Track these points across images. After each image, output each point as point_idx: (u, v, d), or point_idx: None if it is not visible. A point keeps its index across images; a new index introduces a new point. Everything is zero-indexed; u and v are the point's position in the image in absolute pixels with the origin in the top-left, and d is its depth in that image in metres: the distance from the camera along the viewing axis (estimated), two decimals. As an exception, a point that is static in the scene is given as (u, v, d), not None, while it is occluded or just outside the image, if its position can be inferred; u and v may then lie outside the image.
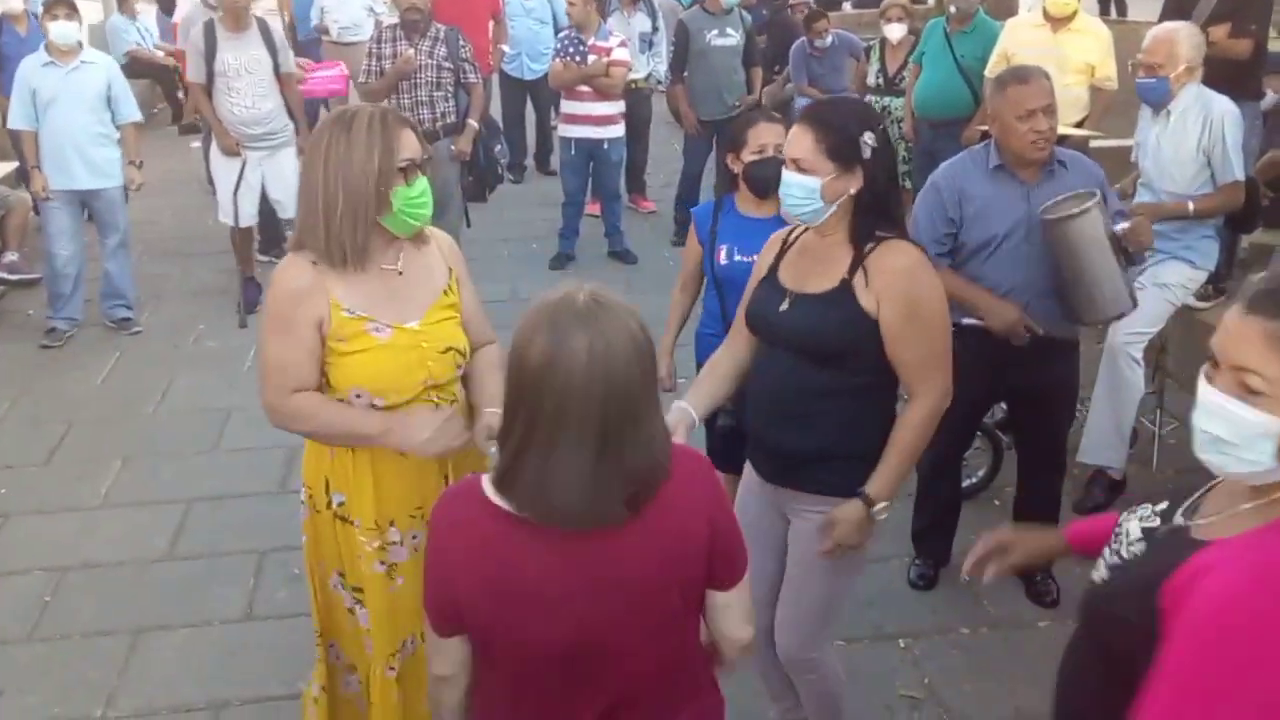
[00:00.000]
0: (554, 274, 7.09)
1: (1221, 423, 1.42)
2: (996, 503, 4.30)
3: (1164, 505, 1.63)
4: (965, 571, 2.05)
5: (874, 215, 2.42)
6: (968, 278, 3.42)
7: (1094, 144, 6.26)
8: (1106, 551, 1.69)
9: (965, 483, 4.23)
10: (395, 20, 6.36)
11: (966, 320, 3.40)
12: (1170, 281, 4.23)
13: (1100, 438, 4.26)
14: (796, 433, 2.49)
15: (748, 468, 2.73)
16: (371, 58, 6.19)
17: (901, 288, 2.37)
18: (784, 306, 2.48)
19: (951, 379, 2.47)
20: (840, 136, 2.38)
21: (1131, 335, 4.14)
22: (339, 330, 2.29)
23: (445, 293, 2.46)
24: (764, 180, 3.17)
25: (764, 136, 3.28)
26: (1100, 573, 1.68)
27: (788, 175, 2.44)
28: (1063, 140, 5.34)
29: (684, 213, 7.30)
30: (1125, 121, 6.79)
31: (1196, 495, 1.60)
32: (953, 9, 6.50)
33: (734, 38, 7.37)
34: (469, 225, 6.57)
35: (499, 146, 6.68)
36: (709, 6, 7.33)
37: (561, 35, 7.10)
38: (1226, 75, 4.93)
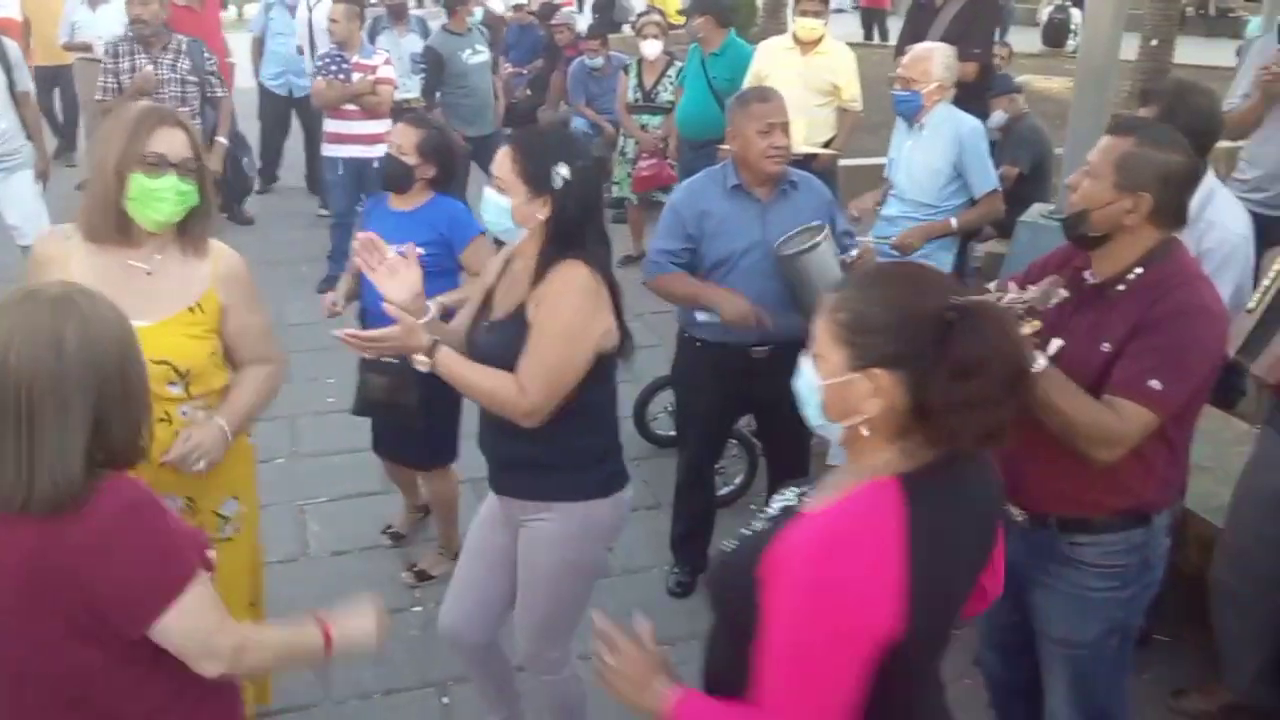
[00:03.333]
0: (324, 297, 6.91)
1: (800, 378, 1.67)
2: (753, 507, 4.41)
3: (808, 486, 1.74)
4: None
5: (561, 244, 2.46)
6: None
7: (844, 161, 6.60)
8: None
9: (723, 490, 4.36)
10: (131, 34, 6.01)
11: (698, 335, 3.57)
12: (907, 291, 4.47)
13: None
14: (509, 441, 2.53)
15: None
16: (107, 75, 5.87)
17: (548, 296, 2.42)
18: (482, 330, 2.57)
19: (546, 405, 2.43)
20: (535, 163, 2.44)
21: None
22: None
23: (192, 309, 2.51)
24: (391, 178, 3.75)
25: (399, 136, 3.73)
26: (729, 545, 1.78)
27: (488, 192, 2.50)
28: (812, 159, 5.64)
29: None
30: (877, 140, 7.20)
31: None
32: (700, 35, 6.71)
33: (485, 54, 7.54)
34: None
35: (246, 159, 6.48)
36: (453, 27, 7.39)
37: (323, 54, 6.94)
38: (956, 97, 5.29)
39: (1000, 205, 4.43)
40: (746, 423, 4.27)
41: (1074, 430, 2.24)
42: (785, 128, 3.44)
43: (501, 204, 2.48)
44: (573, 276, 2.43)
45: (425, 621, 3.71)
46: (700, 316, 3.53)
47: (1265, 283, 2.69)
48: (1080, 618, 2.48)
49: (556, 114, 9.83)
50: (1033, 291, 2.19)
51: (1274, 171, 4.05)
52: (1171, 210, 2.30)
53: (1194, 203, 3.12)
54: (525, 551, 2.66)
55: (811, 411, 1.66)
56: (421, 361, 2.41)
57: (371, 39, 7.61)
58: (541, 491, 2.57)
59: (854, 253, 3.57)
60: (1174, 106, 3.07)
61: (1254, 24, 11.47)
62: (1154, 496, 2.40)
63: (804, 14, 5.97)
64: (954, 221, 4.36)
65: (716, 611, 1.76)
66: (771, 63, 6.07)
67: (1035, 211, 5.55)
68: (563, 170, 2.44)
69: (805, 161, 5.80)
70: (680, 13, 14.78)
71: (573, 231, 2.46)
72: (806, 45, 5.98)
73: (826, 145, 6.00)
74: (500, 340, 2.48)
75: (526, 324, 2.42)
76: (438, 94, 7.36)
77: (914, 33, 5.73)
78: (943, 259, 4.52)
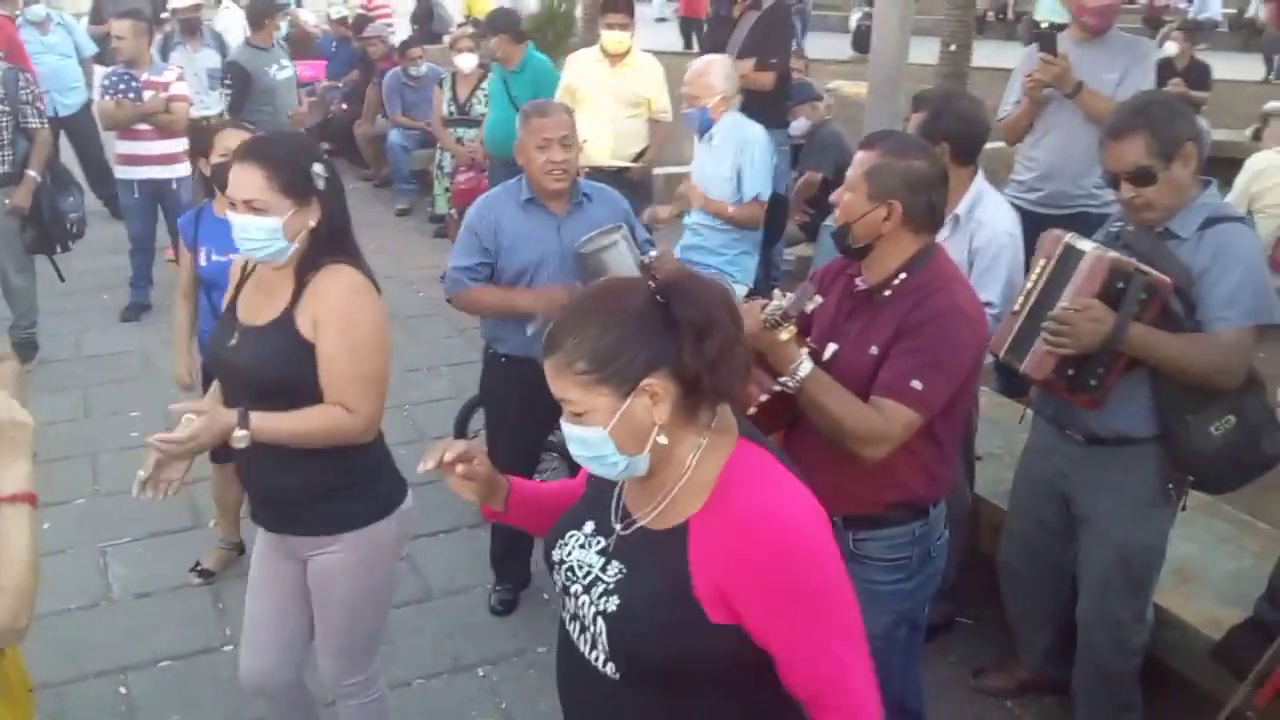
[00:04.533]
0: (127, 326, 6.64)
1: (577, 444, 1.63)
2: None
3: (590, 526, 1.75)
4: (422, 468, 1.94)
5: (326, 246, 2.39)
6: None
7: (661, 171, 6.71)
8: (575, 587, 1.72)
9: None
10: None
11: (504, 351, 3.57)
12: (714, 296, 4.58)
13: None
14: (283, 473, 2.45)
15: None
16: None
17: (334, 308, 2.35)
18: (233, 341, 2.45)
19: (377, 413, 2.45)
20: (292, 171, 2.33)
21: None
22: None
23: None
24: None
25: (228, 141, 3.58)
26: (589, 609, 1.69)
27: (241, 219, 2.34)
28: (624, 172, 5.71)
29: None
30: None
31: (616, 502, 1.73)
32: (498, 53, 6.71)
33: (290, 69, 7.41)
34: (63, 279, 6.17)
35: (71, 198, 6.04)
36: (258, 42, 7.20)
37: (110, 72, 6.61)
38: (756, 104, 5.44)
39: (760, 214, 4.55)
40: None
41: (841, 430, 2.32)
42: (565, 141, 3.44)
43: (268, 225, 2.32)
44: (348, 282, 2.38)
45: (236, 661, 3.58)
46: (530, 330, 3.51)
47: (1027, 285, 2.82)
48: (868, 611, 2.52)
49: (374, 127, 9.68)
50: (788, 299, 2.26)
51: (1046, 172, 4.30)
52: (923, 213, 2.41)
53: (964, 204, 3.33)
54: (317, 585, 2.59)
55: (612, 463, 1.62)
56: (240, 438, 2.31)
57: (164, 55, 7.32)
58: (324, 525, 2.51)
59: (653, 254, 3.62)
60: (940, 111, 3.27)
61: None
62: (927, 490, 2.51)
63: (610, 27, 6.00)
64: (731, 208, 4.51)
65: (632, 676, 1.67)
66: (581, 75, 6.11)
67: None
68: (319, 169, 2.36)
69: (619, 174, 5.92)
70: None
71: (341, 231, 2.40)
72: (615, 58, 6.03)
73: (639, 157, 6.08)
74: (263, 350, 2.38)
75: (299, 336, 2.34)
76: (241, 111, 7.10)
77: (714, 44, 5.88)
78: (747, 264, 4.65)
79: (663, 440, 1.60)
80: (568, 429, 1.62)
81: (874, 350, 2.38)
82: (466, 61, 7.28)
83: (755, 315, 2.25)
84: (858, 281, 2.51)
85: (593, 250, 3.42)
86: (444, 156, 7.33)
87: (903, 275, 2.41)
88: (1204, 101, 9.51)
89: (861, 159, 2.44)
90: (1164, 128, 2.65)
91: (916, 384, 2.30)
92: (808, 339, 2.52)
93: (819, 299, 2.35)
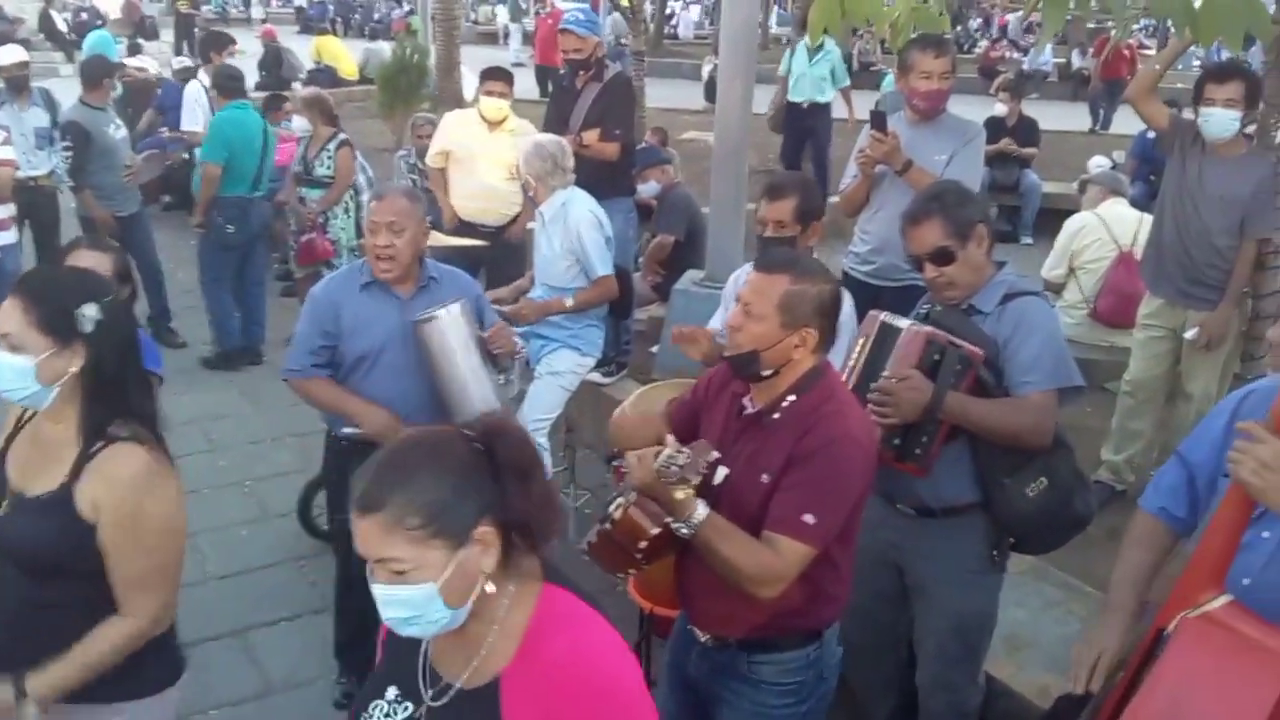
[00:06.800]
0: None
1: (399, 606, 1.55)
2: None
3: (393, 692, 1.69)
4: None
5: (106, 403, 2.17)
6: (350, 390, 3.47)
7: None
8: None
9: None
10: None
11: (346, 430, 3.49)
12: (561, 369, 4.57)
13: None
14: (34, 654, 2.16)
15: None
16: None
17: (119, 501, 2.13)
18: (2, 511, 2.20)
19: (170, 602, 2.26)
20: (52, 308, 2.11)
21: (534, 422, 4.43)
22: None
23: None
24: None
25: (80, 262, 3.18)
26: None
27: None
28: (501, 232, 5.73)
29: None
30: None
31: (423, 663, 1.69)
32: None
33: (123, 127, 7.22)
34: None
35: None
36: (94, 101, 6.95)
37: (-74, 134, 6.26)
38: (603, 174, 5.51)
39: (613, 287, 4.57)
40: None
41: (738, 573, 2.28)
42: (393, 227, 3.36)
43: (19, 365, 2.09)
44: (136, 468, 2.15)
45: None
46: (346, 430, 3.48)
47: (850, 363, 2.91)
48: None
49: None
50: (683, 459, 2.18)
51: (879, 246, 4.44)
52: (829, 336, 2.45)
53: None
54: None
55: (433, 621, 1.56)
56: (27, 715, 2.08)
57: (-10, 115, 6.95)
58: (96, 692, 2.20)
59: (491, 329, 3.58)
60: (807, 195, 3.45)
61: (889, 79, 12.60)
62: (822, 611, 2.50)
63: (489, 94, 6.08)
64: (568, 301, 4.50)
65: None
66: (458, 137, 6.15)
67: (688, 279, 5.85)
68: (90, 311, 2.12)
69: (496, 234, 6.02)
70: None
71: (116, 383, 2.17)
72: (493, 124, 6.09)
73: (514, 220, 6.14)
74: (39, 527, 2.14)
75: (78, 516, 2.12)
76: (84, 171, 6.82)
77: (558, 115, 5.93)
78: (593, 336, 4.66)
79: (490, 589, 1.58)
80: (385, 592, 1.54)
81: (765, 479, 2.35)
82: (300, 123, 7.18)
83: (648, 465, 2.21)
84: (745, 402, 2.48)
85: (423, 319, 3.38)
86: (292, 215, 7.15)
87: (791, 397, 2.39)
88: (1033, 156, 10.01)
89: (768, 285, 2.39)
90: (956, 211, 2.84)
91: (809, 518, 2.26)
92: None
93: (715, 454, 2.28)
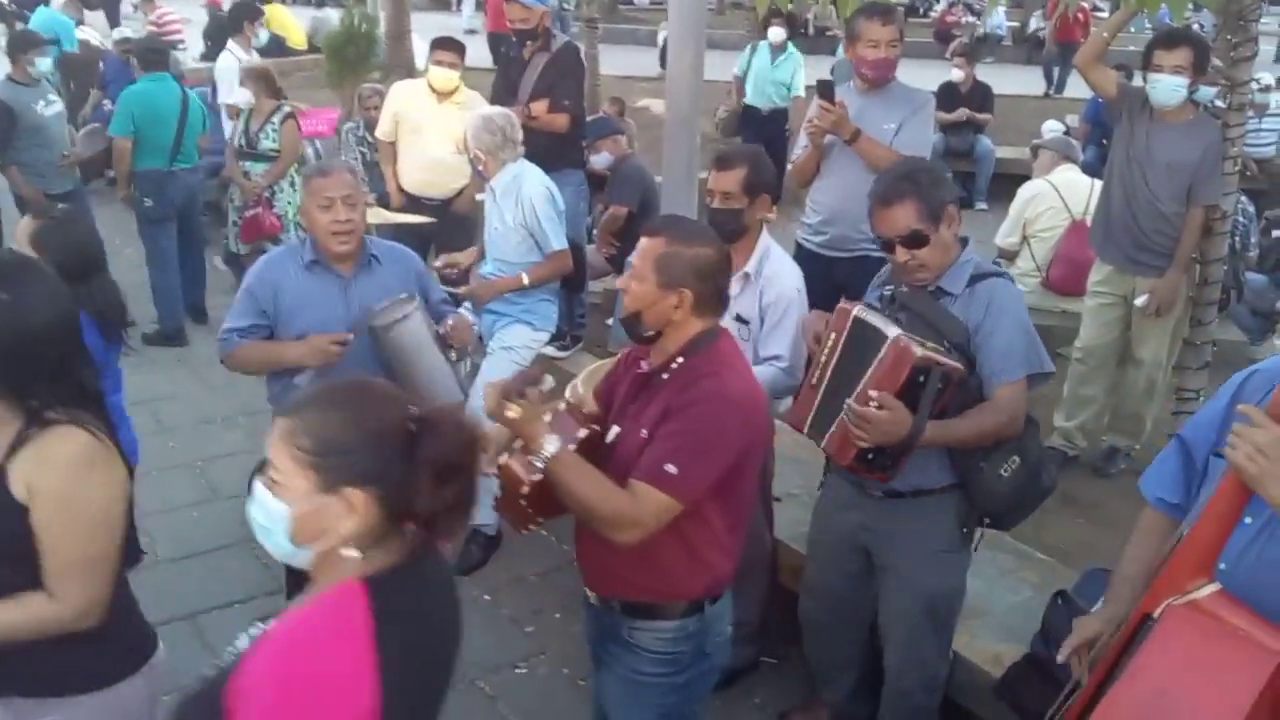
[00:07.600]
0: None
1: (260, 510, 1.65)
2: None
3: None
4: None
5: (48, 384, 2.07)
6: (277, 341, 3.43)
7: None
8: None
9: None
10: None
11: None
12: (515, 344, 4.52)
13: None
14: None
15: None
16: None
17: (55, 486, 2.05)
18: None
19: (101, 599, 2.13)
20: None
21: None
22: None
23: None
24: None
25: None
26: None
27: None
28: (448, 205, 5.65)
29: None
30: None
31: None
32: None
33: (58, 104, 7.02)
34: None
35: None
36: (20, 77, 6.77)
37: None
38: (553, 147, 5.44)
39: (568, 261, 4.52)
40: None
41: (590, 513, 2.30)
42: (348, 200, 3.32)
43: None
44: (76, 453, 2.07)
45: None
46: (298, 380, 3.39)
47: (821, 357, 2.85)
48: (632, 702, 2.56)
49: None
50: (518, 383, 2.26)
51: (829, 216, 4.42)
52: (710, 299, 2.43)
53: (753, 261, 3.40)
54: None
55: (277, 540, 1.64)
56: None
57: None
58: (44, 683, 2.15)
59: (449, 322, 3.56)
60: (757, 166, 3.42)
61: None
62: (694, 576, 2.47)
63: (439, 64, 5.97)
64: (525, 277, 4.43)
65: None
66: (408, 106, 6.06)
67: (641, 250, 5.79)
68: None
69: (443, 205, 5.98)
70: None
71: (23, 380, 2.06)
72: (442, 95, 5.99)
73: (461, 192, 6.06)
74: None
75: (10, 496, 2.04)
76: (6, 150, 6.65)
77: (506, 86, 5.85)
78: (546, 310, 4.61)
79: (352, 554, 1.61)
80: (259, 488, 1.63)
81: (644, 433, 2.37)
82: (244, 95, 7.01)
83: (496, 395, 2.24)
84: (643, 363, 2.52)
85: (385, 324, 3.33)
86: (234, 190, 6.99)
87: (680, 359, 2.42)
88: (987, 122, 10.04)
89: (648, 247, 2.43)
90: (930, 193, 2.79)
91: (670, 468, 2.27)
92: (591, 422, 2.51)
93: (550, 380, 2.31)
